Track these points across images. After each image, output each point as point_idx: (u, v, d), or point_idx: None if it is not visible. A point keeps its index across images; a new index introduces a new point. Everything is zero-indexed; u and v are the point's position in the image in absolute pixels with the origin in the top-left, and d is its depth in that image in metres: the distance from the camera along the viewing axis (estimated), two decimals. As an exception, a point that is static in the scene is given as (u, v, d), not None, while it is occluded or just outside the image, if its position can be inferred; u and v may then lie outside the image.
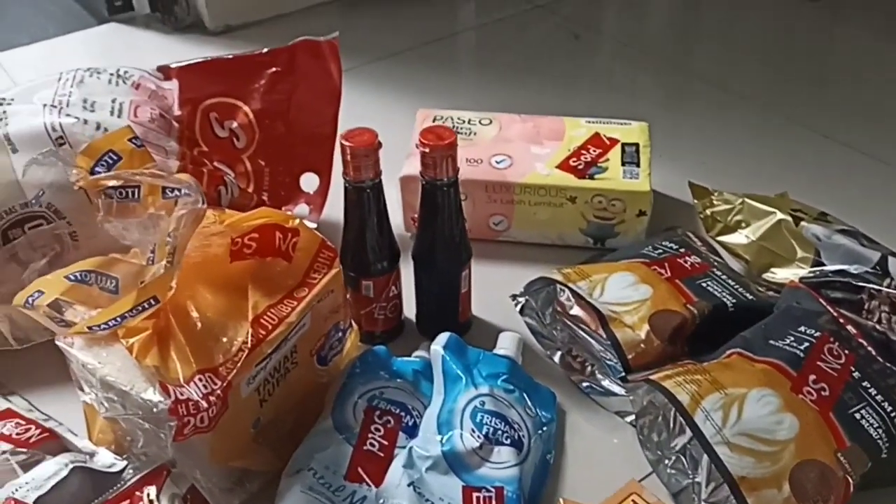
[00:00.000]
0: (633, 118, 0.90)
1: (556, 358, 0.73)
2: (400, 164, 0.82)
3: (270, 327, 0.60)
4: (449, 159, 0.66)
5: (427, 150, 0.65)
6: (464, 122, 0.88)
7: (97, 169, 0.57)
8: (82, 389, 0.62)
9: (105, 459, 0.62)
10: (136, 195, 0.55)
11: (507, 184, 0.81)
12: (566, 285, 0.70)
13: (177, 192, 0.54)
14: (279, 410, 0.64)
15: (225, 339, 0.59)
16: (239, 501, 0.62)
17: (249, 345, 0.58)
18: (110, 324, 0.52)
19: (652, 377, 0.61)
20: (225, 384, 0.56)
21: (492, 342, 0.72)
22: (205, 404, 0.55)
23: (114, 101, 0.77)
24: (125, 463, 0.62)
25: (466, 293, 0.74)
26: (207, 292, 0.61)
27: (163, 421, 0.55)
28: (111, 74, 0.80)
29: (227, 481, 0.62)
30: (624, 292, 0.69)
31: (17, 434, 0.64)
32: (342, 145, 0.65)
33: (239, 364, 0.57)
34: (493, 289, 0.78)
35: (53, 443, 0.63)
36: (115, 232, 0.56)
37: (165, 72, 0.83)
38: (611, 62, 1.28)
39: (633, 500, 0.50)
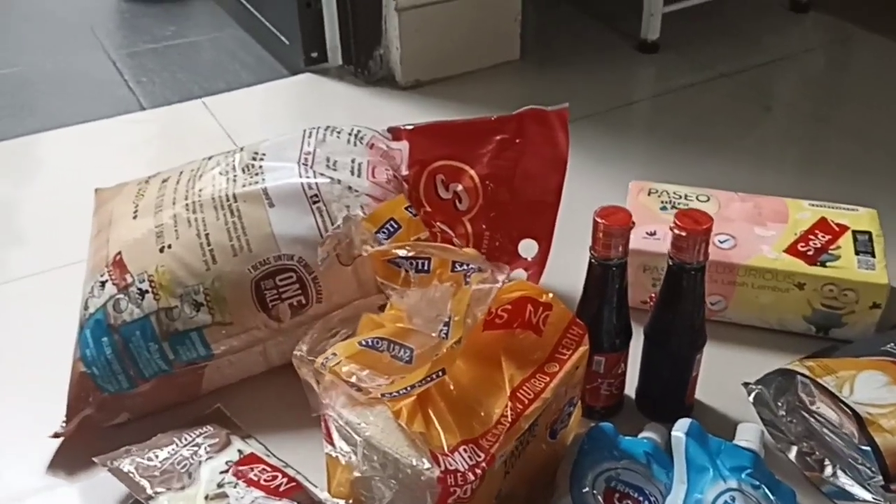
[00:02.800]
0: (843, 199, 0.87)
1: (792, 454, 0.70)
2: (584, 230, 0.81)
3: (527, 402, 0.60)
4: (703, 244, 0.65)
5: (683, 233, 0.65)
6: (680, 196, 0.88)
7: (378, 235, 0.59)
8: (332, 443, 0.64)
9: (348, 516, 0.63)
10: (427, 267, 0.57)
11: (730, 265, 0.80)
12: (813, 380, 0.68)
13: (465, 267, 0.56)
14: (515, 483, 0.65)
15: (482, 411, 0.60)
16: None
17: (510, 419, 0.59)
18: (401, 392, 0.54)
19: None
20: (488, 457, 0.57)
21: (713, 427, 0.70)
22: (471, 476, 0.56)
23: (353, 160, 0.80)
24: (366, 521, 0.63)
25: (695, 377, 0.73)
26: (460, 360, 0.62)
27: (427, 488, 0.56)
28: (349, 134, 0.83)
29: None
30: (877, 393, 0.66)
31: (266, 481, 0.66)
32: (595, 222, 0.66)
33: (500, 438, 0.58)
34: (711, 371, 0.76)
35: (299, 493, 0.66)
36: (396, 299, 0.58)
37: (395, 133, 0.86)
38: (805, 136, 1.24)
39: None
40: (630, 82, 1.40)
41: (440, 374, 0.54)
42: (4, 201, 1.09)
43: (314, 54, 1.38)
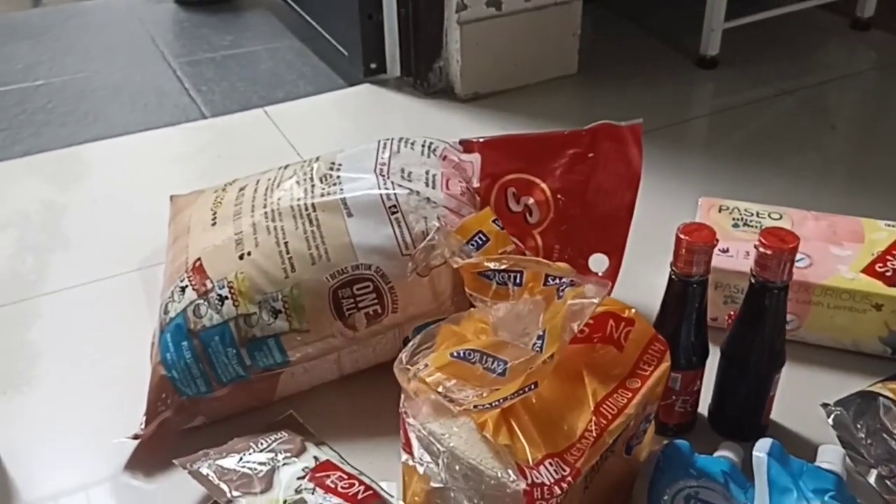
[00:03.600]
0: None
1: (872, 478, 0.69)
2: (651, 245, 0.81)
3: (611, 417, 0.60)
4: (788, 264, 0.65)
5: (769, 252, 0.64)
6: (752, 214, 0.87)
7: (469, 246, 0.60)
8: (410, 452, 0.64)
9: (426, 525, 0.64)
10: (520, 280, 0.57)
11: (807, 284, 0.79)
12: (897, 403, 0.67)
13: (559, 281, 0.56)
14: (593, 498, 0.64)
15: (565, 425, 0.60)
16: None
17: (594, 434, 0.59)
18: (494, 404, 0.54)
19: None
20: (574, 472, 0.57)
21: (790, 448, 0.69)
22: (557, 490, 0.56)
23: (427, 172, 0.81)
24: (441, 530, 0.63)
25: (772, 397, 0.72)
26: (541, 375, 0.62)
27: (512, 501, 0.56)
28: (422, 146, 0.84)
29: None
30: (964, 418, 0.65)
31: (343, 489, 0.67)
32: (679, 238, 0.66)
33: (586, 452, 0.58)
34: (785, 390, 0.75)
35: (376, 501, 0.66)
36: (483, 312, 0.59)
37: (467, 145, 0.87)
38: (871, 156, 1.22)
39: None
40: (689, 98, 1.39)
41: (533, 387, 0.54)
42: (74, 206, 1.11)
43: (373, 65, 1.40)
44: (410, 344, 0.57)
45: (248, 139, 1.28)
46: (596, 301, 0.54)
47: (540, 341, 0.55)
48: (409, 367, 0.57)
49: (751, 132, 1.26)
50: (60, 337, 0.88)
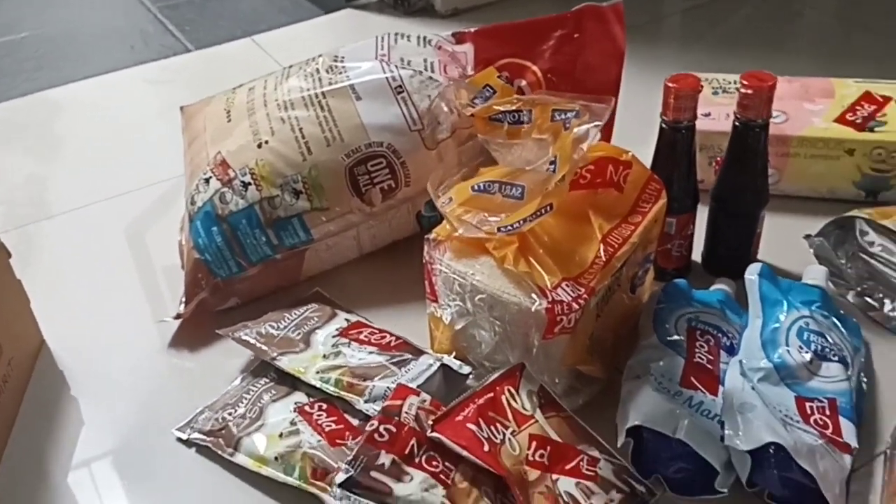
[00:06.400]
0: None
1: (850, 297, 0.76)
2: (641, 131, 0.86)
3: (617, 245, 0.66)
4: (768, 102, 0.71)
5: (750, 91, 0.70)
6: (730, 82, 0.93)
7: (476, 101, 0.65)
8: (435, 300, 0.70)
9: (454, 363, 0.70)
10: (529, 118, 0.62)
11: (784, 137, 0.86)
12: (872, 222, 0.74)
13: (565, 115, 0.61)
14: (604, 329, 0.71)
15: (577, 256, 0.66)
16: (582, 401, 0.68)
17: (604, 259, 0.65)
18: (515, 226, 0.60)
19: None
20: (588, 290, 0.63)
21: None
22: (575, 306, 0.62)
23: (425, 59, 0.85)
24: (470, 368, 0.70)
25: (759, 234, 0.79)
26: (551, 218, 0.68)
27: (535, 320, 0.63)
28: (417, 38, 0.89)
29: (569, 384, 0.69)
30: (933, 229, 0.72)
31: (376, 339, 0.73)
32: (667, 87, 0.71)
33: (598, 274, 0.64)
34: (771, 236, 0.82)
35: (409, 348, 0.72)
36: (498, 155, 0.64)
37: (459, 37, 0.91)
38: (837, 34, 1.29)
39: None
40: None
41: (549, 208, 0.60)
42: (93, 135, 1.15)
43: (353, -9, 1.44)
44: (434, 173, 0.63)
45: (240, 65, 1.31)
46: (600, 123, 0.60)
47: (552, 165, 0.60)
48: (437, 194, 0.62)
49: (724, 27, 1.32)
50: (86, 247, 0.93)
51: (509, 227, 0.60)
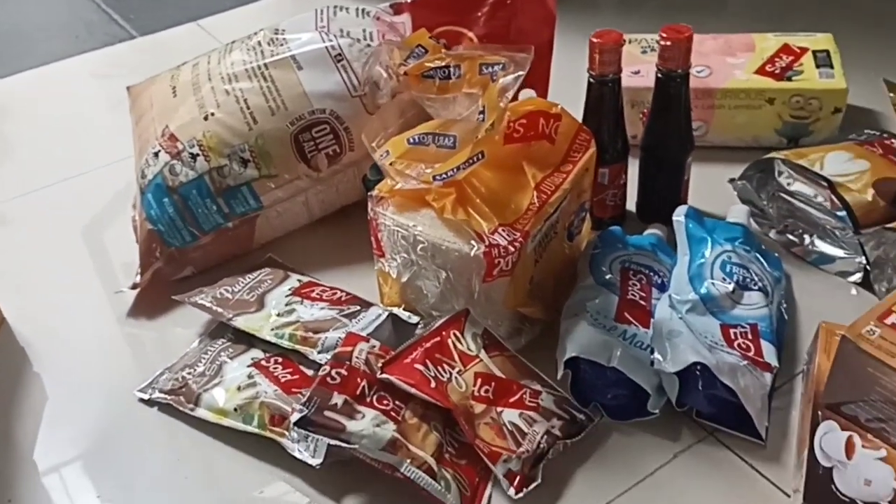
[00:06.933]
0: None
1: (773, 234, 0.81)
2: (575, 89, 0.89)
3: (550, 192, 0.70)
4: (686, 52, 0.75)
5: (669, 43, 0.74)
6: (658, 41, 0.97)
7: (409, 60, 0.68)
8: (382, 255, 0.73)
9: (403, 314, 0.73)
10: (458, 73, 0.66)
11: (709, 90, 0.90)
12: (788, 162, 0.79)
13: (492, 69, 0.65)
14: (543, 274, 0.75)
15: (512, 204, 0.70)
16: (525, 341, 0.72)
17: (537, 205, 0.69)
18: (449, 173, 0.64)
19: (889, 226, 0.69)
20: (523, 234, 0.67)
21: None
22: (512, 249, 0.66)
23: (364, 30, 0.89)
24: (418, 318, 0.73)
25: (687, 181, 0.83)
26: (486, 171, 0.71)
27: (474, 265, 0.66)
28: (356, 10, 0.92)
29: (512, 326, 0.72)
30: (843, 166, 0.77)
31: (328, 296, 0.76)
32: (592, 42, 0.75)
33: (532, 219, 0.68)
34: (700, 185, 0.86)
35: (359, 301, 0.75)
36: (433, 110, 0.68)
37: (396, 7, 0.94)
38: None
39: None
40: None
41: (480, 156, 0.64)
42: (41, 123, 1.16)
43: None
44: (369, 124, 0.66)
45: (186, 49, 1.29)
46: (522, 73, 0.64)
47: (481, 114, 0.64)
48: (373, 146, 0.66)
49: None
50: (40, 228, 0.95)
51: (444, 175, 0.64)
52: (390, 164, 0.66)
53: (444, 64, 0.66)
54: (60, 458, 0.69)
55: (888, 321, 0.55)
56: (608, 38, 0.75)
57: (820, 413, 0.58)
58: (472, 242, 0.66)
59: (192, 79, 0.87)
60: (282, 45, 0.85)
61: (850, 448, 0.55)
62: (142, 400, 0.72)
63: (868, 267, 0.74)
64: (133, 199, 0.86)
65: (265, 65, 0.84)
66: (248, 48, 0.87)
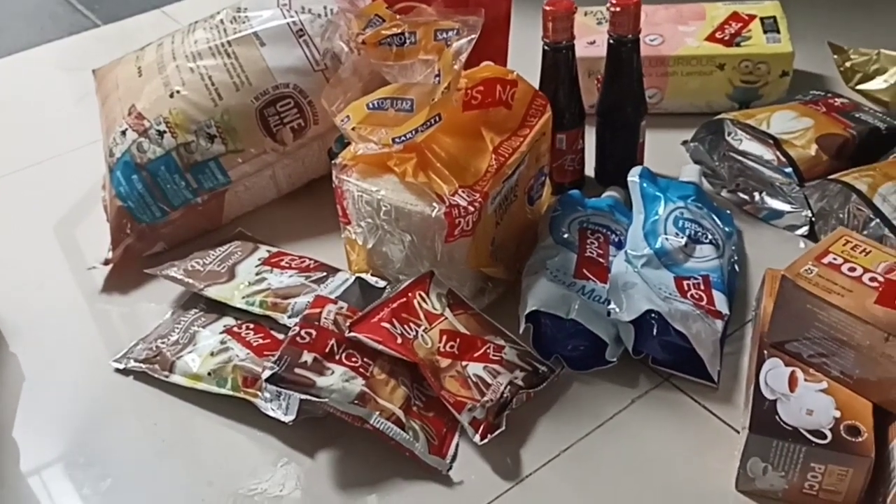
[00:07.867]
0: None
1: (725, 193, 0.85)
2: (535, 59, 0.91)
3: (507, 155, 0.73)
4: (635, 17, 0.78)
5: (618, 9, 0.77)
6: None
7: (367, 30, 0.70)
8: (348, 222, 0.76)
9: (371, 279, 0.76)
10: (414, 39, 0.68)
11: (661, 58, 0.93)
12: (736, 121, 0.82)
13: (447, 35, 0.67)
14: (505, 236, 0.77)
15: (472, 167, 0.72)
16: (489, 301, 0.75)
17: (495, 166, 0.71)
18: (408, 135, 0.66)
19: (830, 178, 0.72)
20: (482, 194, 0.69)
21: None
22: (471, 209, 0.68)
23: (325, 7, 0.90)
24: (385, 282, 0.76)
25: (643, 144, 0.86)
26: (446, 137, 0.74)
27: (436, 226, 0.69)
28: (317, -13, 0.94)
29: (476, 286, 0.75)
30: (789, 124, 0.81)
31: (297, 264, 0.78)
32: (545, 11, 0.78)
33: (490, 180, 0.70)
34: (655, 150, 0.89)
35: (327, 268, 0.78)
36: (391, 77, 0.70)
37: (357, -17, 0.97)
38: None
39: (845, 240, 0.61)
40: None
41: (438, 118, 0.66)
42: (7, 110, 1.17)
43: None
44: (325, 90, 0.69)
45: (151, 36, 1.31)
46: (475, 36, 0.66)
47: (437, 77, 0.66)
48: (333, 110, 0.68)
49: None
50: (10, 211, 0.96)
51: (403, 138, 0.66)
52: (352, 128, 0.68)
53: (399, 31, 0.68)
54: (38, 435, 0.71)
55: (825, 261, 0.58)
56: (560, 6, 0.78)
57: (766, 352, 0.61)
58: (434, 204, 0.68)
59: (156, 59, 0.88)
60: (244, 22, 0.87)
61: (793, 382, 0.59)
62: (117, 370, 0.74)
63: (813, 219, 0.77)
64: (102, 179, 0.87)
65: (228, 42, 0.85)
66: (212, 27, 0.88)
